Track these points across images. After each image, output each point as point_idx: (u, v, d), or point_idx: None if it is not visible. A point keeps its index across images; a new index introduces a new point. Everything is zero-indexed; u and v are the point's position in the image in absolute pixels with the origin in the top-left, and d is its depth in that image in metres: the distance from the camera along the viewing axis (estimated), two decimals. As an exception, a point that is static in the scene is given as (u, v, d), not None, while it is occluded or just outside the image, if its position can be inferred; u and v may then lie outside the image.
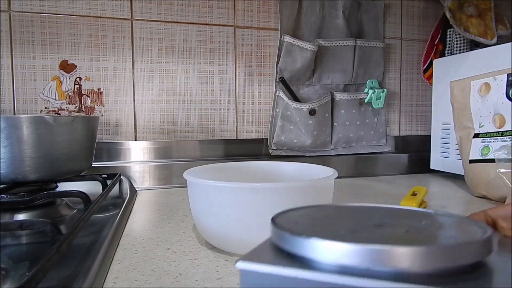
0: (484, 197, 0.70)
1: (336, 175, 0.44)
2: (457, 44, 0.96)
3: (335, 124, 0.96)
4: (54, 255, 0.29)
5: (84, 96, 0.81)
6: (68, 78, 0.80)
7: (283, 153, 0.93)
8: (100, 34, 0.81)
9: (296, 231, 0.20)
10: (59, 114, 0.80)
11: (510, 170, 0.61)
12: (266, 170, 0.57)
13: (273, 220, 0.23)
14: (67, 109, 0.81)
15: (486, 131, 0.69)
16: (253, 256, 0.20)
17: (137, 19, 0.83)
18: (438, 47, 1.04)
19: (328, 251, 0.18)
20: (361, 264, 0.18)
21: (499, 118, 0.67)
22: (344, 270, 0.18)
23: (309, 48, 0.88)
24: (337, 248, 0.18)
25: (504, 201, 0.64)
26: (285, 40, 0.89)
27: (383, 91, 0.97)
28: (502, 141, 0.66)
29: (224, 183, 0.38)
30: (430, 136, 0.96)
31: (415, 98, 1.08)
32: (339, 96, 0.95)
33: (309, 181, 0.42)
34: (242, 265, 0.20)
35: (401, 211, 0.26)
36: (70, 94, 0.80)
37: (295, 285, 0.19)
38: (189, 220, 0.55)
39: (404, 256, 0.17)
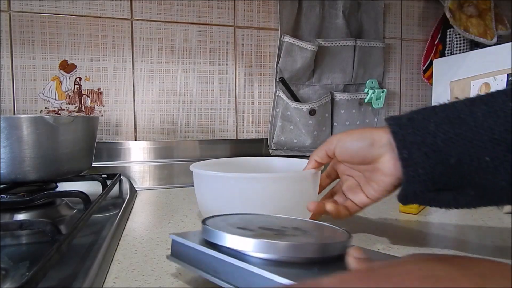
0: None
1: (322, 168, 0.50)
2: (457, 44, 0.96)
3: (335, 124, 0.96)
4: (54, 255, 0.29)
5: (84, 96, 0.81)
6: (68, 78, 0.80)
7: (283, 153, 0.93)
8: (100, 34, 0.81)
9: (211, 226, 0.30)
10: (59, 114, 0.80)
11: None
12: (263, 165, 0.65)
13: (204, 220, 0.33)
14: (67, 109, 0.81)
15: (486, 131, 0.69)
16: (181, 234, 0.33)
17: (137, 19, 0.83)
18: (438, 47, 1.04)
19: (220, 238, 0.28)
20: (240, 249, 0.27)
21: (499, 118, 0.67)
22: (230, 252, 0.27)
23: (309, 48, 0.88)
24: (226, 237, 0.28)
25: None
26: (285, 40, 0.89)
27: (383, 91, 0.97)
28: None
29: (222, 173, 0.47)
30: (430, 136, 0.96)
31: (415, 98, 1.08)
32: (339, 96, 0.95)
33: (294, 173, 0.52)
34: (173, 237, 0.33)
35: (296, 222, 0.35)
36: (70, 94, 0.80)
37: (201, 257, 0.29)
38: (189, 220, 0.55)
39: (257, 246, 0.26)
